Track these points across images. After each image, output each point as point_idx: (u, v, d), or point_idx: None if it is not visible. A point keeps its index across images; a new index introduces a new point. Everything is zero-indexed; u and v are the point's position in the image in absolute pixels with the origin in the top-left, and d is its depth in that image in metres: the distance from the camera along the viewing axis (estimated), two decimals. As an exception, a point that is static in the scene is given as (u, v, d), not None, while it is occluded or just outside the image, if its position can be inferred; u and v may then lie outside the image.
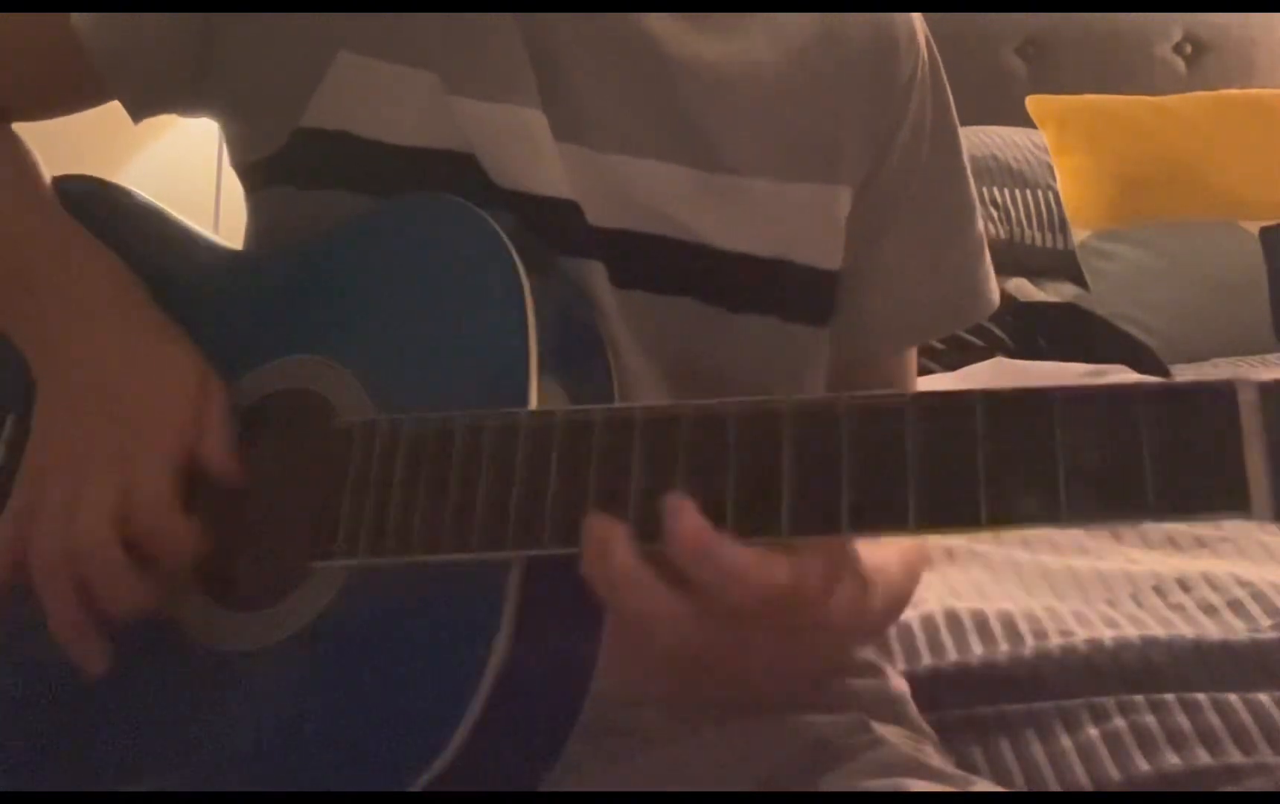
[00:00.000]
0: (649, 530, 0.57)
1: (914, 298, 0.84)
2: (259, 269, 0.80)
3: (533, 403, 0.63)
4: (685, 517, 0.56)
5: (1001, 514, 0.53)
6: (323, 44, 0.75)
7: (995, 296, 0.87)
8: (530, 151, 0.73)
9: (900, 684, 0.87)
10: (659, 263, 0.75)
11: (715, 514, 0.57)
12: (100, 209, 0.82)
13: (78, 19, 0.78)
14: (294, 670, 0.65)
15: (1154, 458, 0.51)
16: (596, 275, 0.73)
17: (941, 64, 0.85)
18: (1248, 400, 0.51)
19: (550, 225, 0.73)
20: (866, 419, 0.56)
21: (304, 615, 0.65)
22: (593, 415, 0.60)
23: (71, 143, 1.03)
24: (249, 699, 0.65)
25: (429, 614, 0.63)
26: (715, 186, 0.76)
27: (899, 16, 0.82)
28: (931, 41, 0.84)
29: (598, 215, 0.74)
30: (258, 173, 0.80)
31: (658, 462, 0.58)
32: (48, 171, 0.83)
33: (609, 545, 0.57)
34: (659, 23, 0.76)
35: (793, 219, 0.77)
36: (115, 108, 0.81)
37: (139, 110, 0.81)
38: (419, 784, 0.58)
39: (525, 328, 0.64)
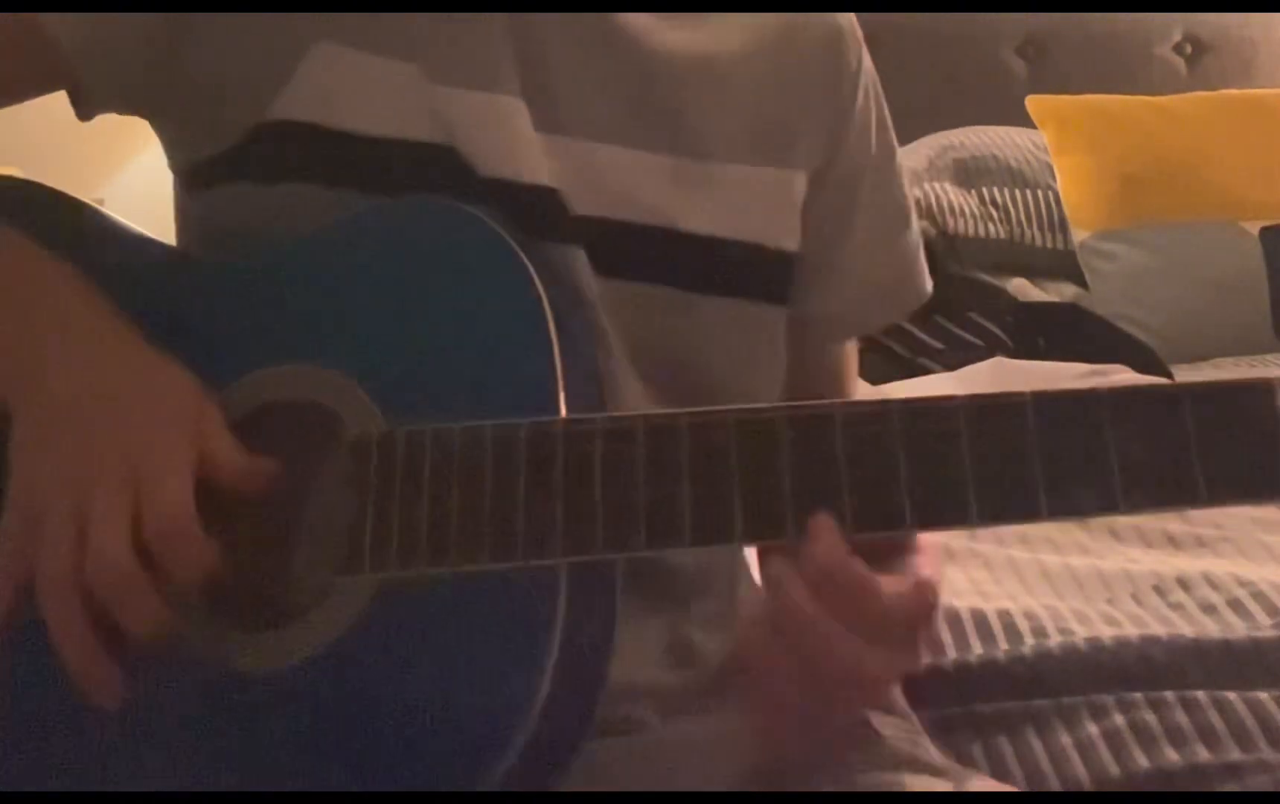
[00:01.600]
0: (697, 536, 0.60)
1: (868, 290, 0.88)
2: (229, 273, 0.75)
3: (562, 411, 0.63)
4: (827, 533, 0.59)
5: (1061, 506, 0.58)
6: (299, 35, 0.74)
7: (929, 286, 0.92)
8: (512, 139, 0.74)
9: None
10: (635, 250, 0.76)
11: (774, 519, 0.59)
12: (24, 209, 0.77)
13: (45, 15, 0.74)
14: (333, 686, 0.63)
15: (1201, 451, 0.57)
16: (579, 262, 0.74)
17: (874, 78, 0.88)
18: None
19: (532, 213, 0.73)
20: (919, 419, 0.59)
21: (330, 632, 0.63)
22: (634, 422, 0.61)
23: (61, 153, 1.02)
24: (282, 719, 0.63)
25: (474, 615, 0.62)
26: (690, 172, 0.78)
27: (839, 14, 0.86)
28: (864, 47, 0.87)
29: (578, 204, 0.74)
30: (206, 171, 0.77)
31: (703, 467, 0.60)
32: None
33: (782, 584, 0.59)
34: (635, 18, 0.78)
35: (758, 202, 0.80)
36: (105, 117, 0.78)
37: (91, 107, 0.78)
38: (496, 776, 0.59)
39: (549, 337, 0.64)
